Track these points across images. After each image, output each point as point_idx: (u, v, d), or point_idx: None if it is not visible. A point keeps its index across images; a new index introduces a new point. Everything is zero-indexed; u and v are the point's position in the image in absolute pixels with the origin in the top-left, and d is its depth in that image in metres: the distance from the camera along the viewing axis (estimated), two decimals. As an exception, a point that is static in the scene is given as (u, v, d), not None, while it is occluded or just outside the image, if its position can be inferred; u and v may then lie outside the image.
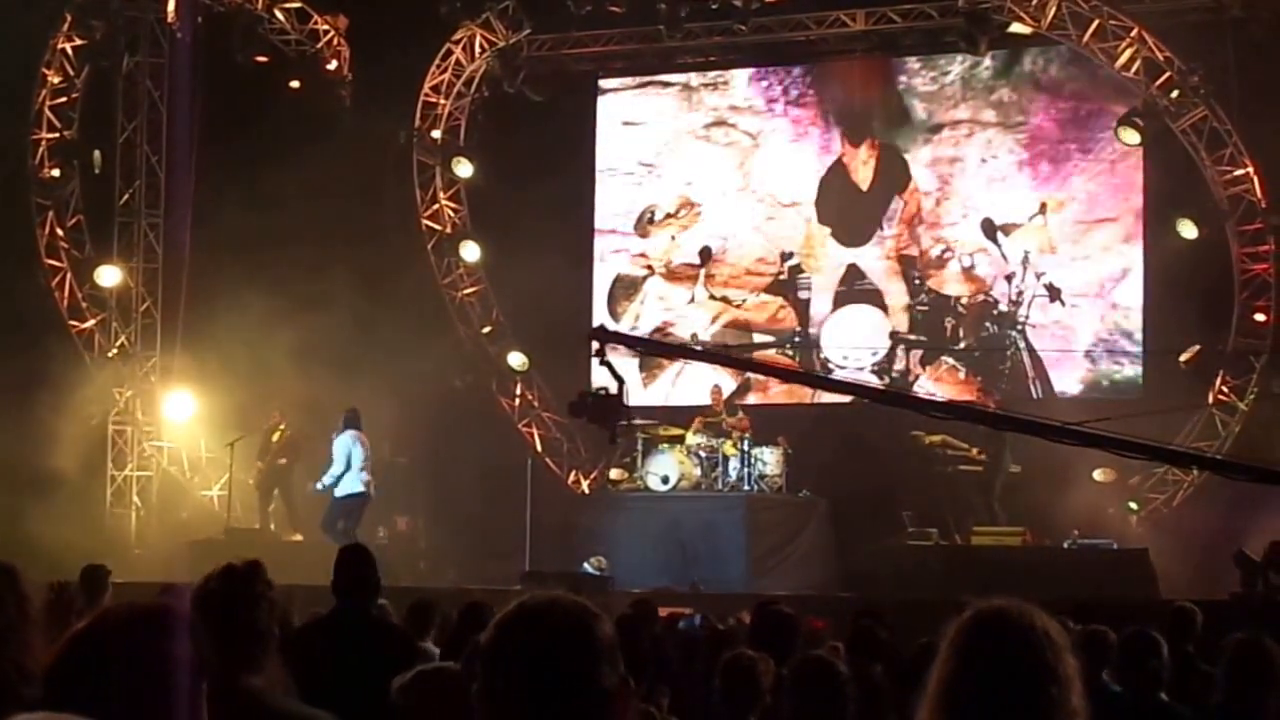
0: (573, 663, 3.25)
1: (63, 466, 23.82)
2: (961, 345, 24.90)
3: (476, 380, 26.59)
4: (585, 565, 22.08)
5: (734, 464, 22.75)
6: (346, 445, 22.28)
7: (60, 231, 25.03)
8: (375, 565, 8.39)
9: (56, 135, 24.99)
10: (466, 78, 26.55)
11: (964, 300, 25.02)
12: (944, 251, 25.22)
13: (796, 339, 25.44)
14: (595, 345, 13.15)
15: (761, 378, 24.95)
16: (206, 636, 3.92)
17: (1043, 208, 24.71)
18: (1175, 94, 23.00)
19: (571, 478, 26.15)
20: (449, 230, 26.67)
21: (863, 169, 25.83)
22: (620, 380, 15.56)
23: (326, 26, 25.74)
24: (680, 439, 23.14)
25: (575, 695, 3.24)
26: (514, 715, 3.24)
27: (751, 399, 25.03)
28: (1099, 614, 12.53)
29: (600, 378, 15.22)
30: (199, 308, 25.36)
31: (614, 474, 24.17)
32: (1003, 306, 24.76)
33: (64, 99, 25.13)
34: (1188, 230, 23.06)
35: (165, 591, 6.05)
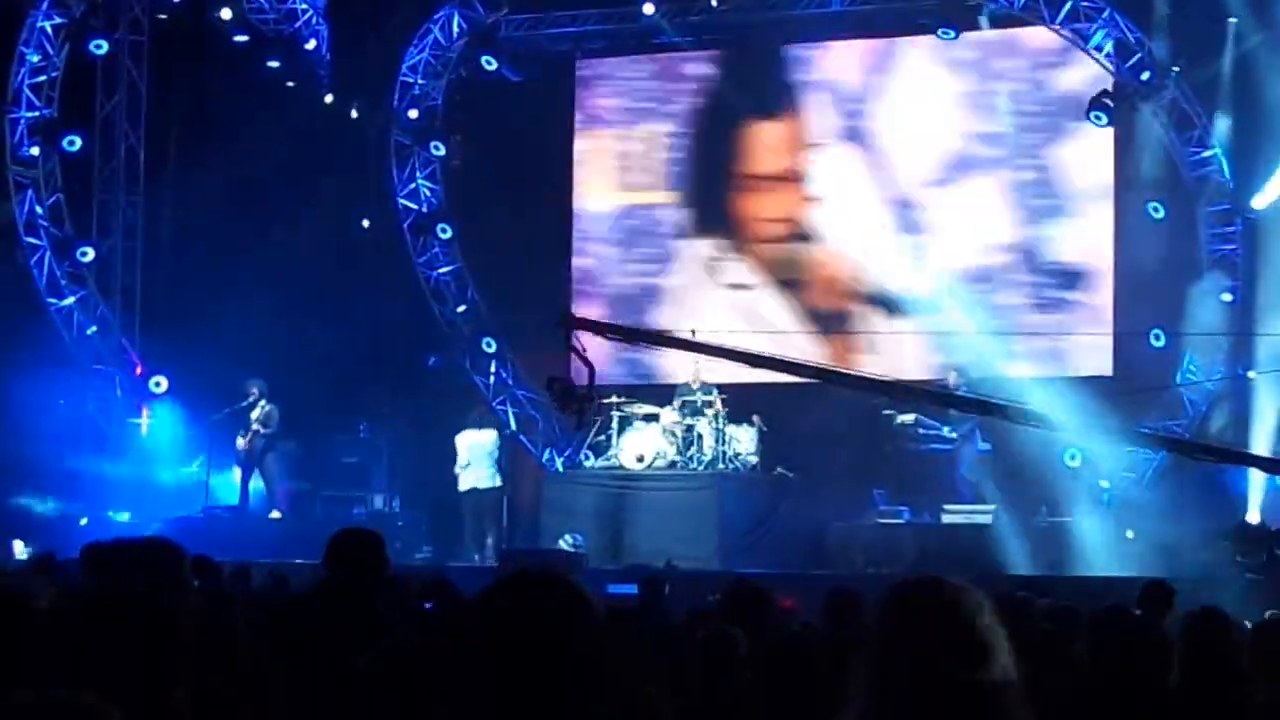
0: (559, 639, 3.32)
1: (42, 445, 23.92)
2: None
3: (451, 358, 26.70)
4: (560, 542, 22.24)
5: (708, 442, 22.89)
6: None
7: (39, 209, 25.09)
8: (362, 549, 8.02)
9: (36, 114, 25.06)
10: (445, 58, 26.63)
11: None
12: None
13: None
14: (564, 332, 13.16)
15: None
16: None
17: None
18: (1145, 75, 23.19)
19: (546, 455, 26.27)
20: (425, 209, 26.74)
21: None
22: (590, 367, 15.71)
23: (305, 6, 25.78)
24: (655, 417, 23.26)
25: (562, 672, 3.31)
26: (498, 691, 3.31)
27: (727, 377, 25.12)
28: (1069, 590, 12.77)
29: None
30: (179, 285, 25.47)
31: (588, 452, 24.30)
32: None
33: (43, 77, 25.18)
34: (1157, 211, 23.30)
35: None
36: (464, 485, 23.58)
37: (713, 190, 26.57)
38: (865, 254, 25.28)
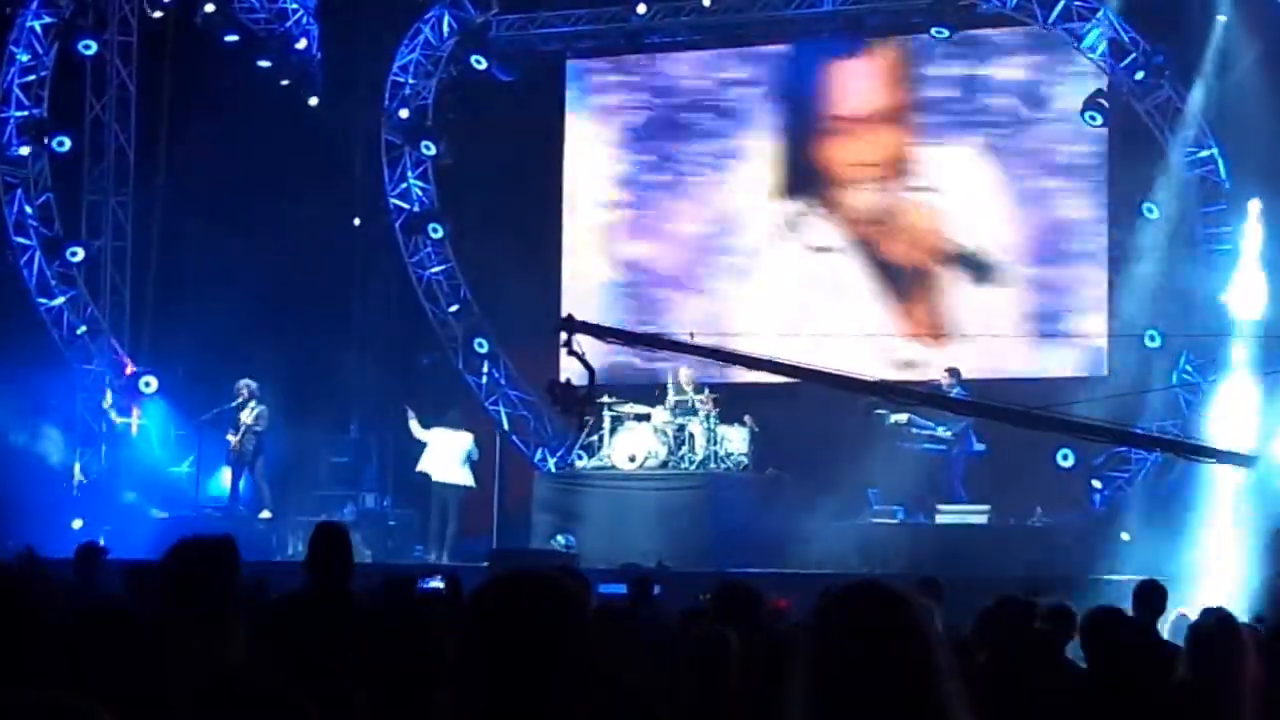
0: (549, 638, 3.32)
1: (30, 444, 23.86)
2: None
3: (443, 358, 26.67)
4: (552, 543, 22.20)
5: (700, 442, 22.84)
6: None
7: (29, 209, 25.06)
8: (347, 543, 8.36)
9: (25, 113, 25.02)
10: (435, 57, 26.57)
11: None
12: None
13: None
14: (564, 335, 13.15)
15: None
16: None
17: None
18: (1140, 75, 23.13)
19: (539, 456, 26.22)
20: (417, 209, 26.70)
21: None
22: (590, 370, 15.67)
23: (296, 5, 25.71)
24: (647, 417, 23.21)
25: (552, 669, 3.31)
26: (489, 688, 3.31)
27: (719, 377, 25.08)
28: (1063, 590, 12.69)
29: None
30: (169, 285, 25.42)
31: (581, 452, 24.24)
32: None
33: (32, 77, 25.14)
34: (1151, 211, 23.25)
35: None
36: (421, 466, 23.59)
37: (707, 188, 26.55)
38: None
